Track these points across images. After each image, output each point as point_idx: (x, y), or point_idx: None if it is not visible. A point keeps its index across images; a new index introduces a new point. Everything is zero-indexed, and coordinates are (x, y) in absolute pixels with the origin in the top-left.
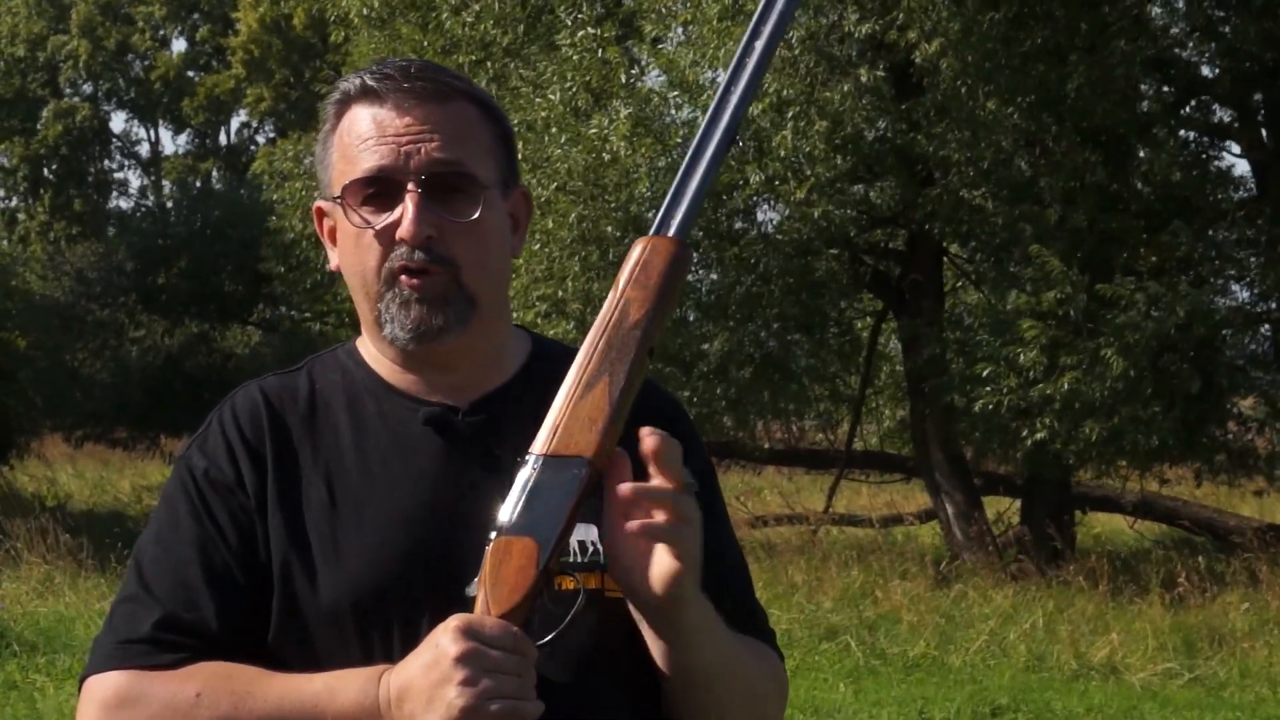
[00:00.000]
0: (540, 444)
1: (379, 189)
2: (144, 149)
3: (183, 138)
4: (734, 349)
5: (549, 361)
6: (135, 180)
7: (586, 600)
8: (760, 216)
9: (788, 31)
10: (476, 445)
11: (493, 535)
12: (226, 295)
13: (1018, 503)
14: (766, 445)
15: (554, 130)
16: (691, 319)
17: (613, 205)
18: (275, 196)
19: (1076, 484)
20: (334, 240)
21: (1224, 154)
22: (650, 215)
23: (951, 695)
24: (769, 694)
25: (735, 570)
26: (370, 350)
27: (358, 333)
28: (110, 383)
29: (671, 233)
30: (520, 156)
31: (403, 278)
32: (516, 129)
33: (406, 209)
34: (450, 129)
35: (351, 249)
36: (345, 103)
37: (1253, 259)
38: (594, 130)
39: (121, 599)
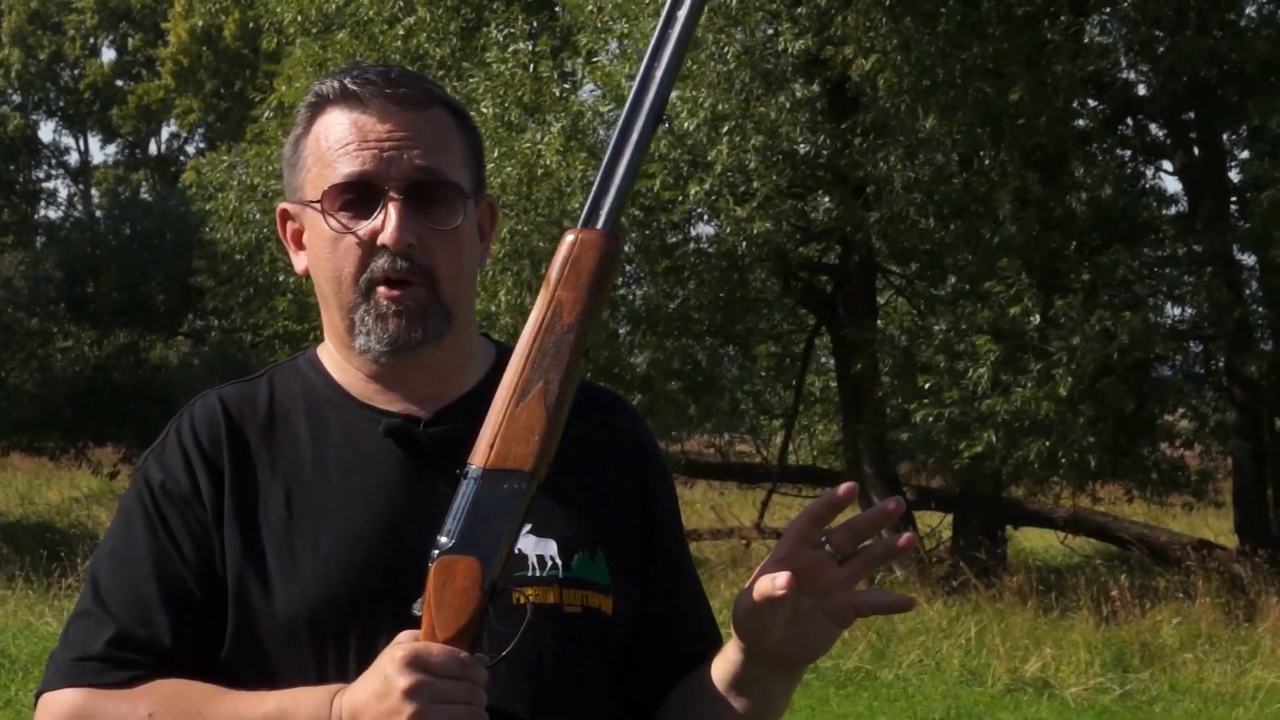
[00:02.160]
0: (479, 456)
1: (358, 194)
2: (73, 158)
3: (112, 147)
4: (662, 361)
5: None
6: (64, 190)
7: (539, 615)
8: (695, 230)
9: (725, 18)
10: (438, 456)
11: (435, 553)
12: (156, 306)
13: (949, 517)
14: (683, 461)
15: (487, 144)
16: (622, 331)
17: (545, 219)
18: (208, 207)
19: (1008, 499)
20: (298, 244)
21: (1159, 173)
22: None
23: (885, 710)
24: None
25: (691, 593)
26: (333, 359)
27: (295, 350)
28: (38, 392)
29: (600, 224)
30: None
31: (381, 289)
32: None
33: (389, 216)
34: (430, 137)
35: (327, 254)
36: (321, 105)
37: (1185, 278)
38: (527, 144)
39: (77, 614)
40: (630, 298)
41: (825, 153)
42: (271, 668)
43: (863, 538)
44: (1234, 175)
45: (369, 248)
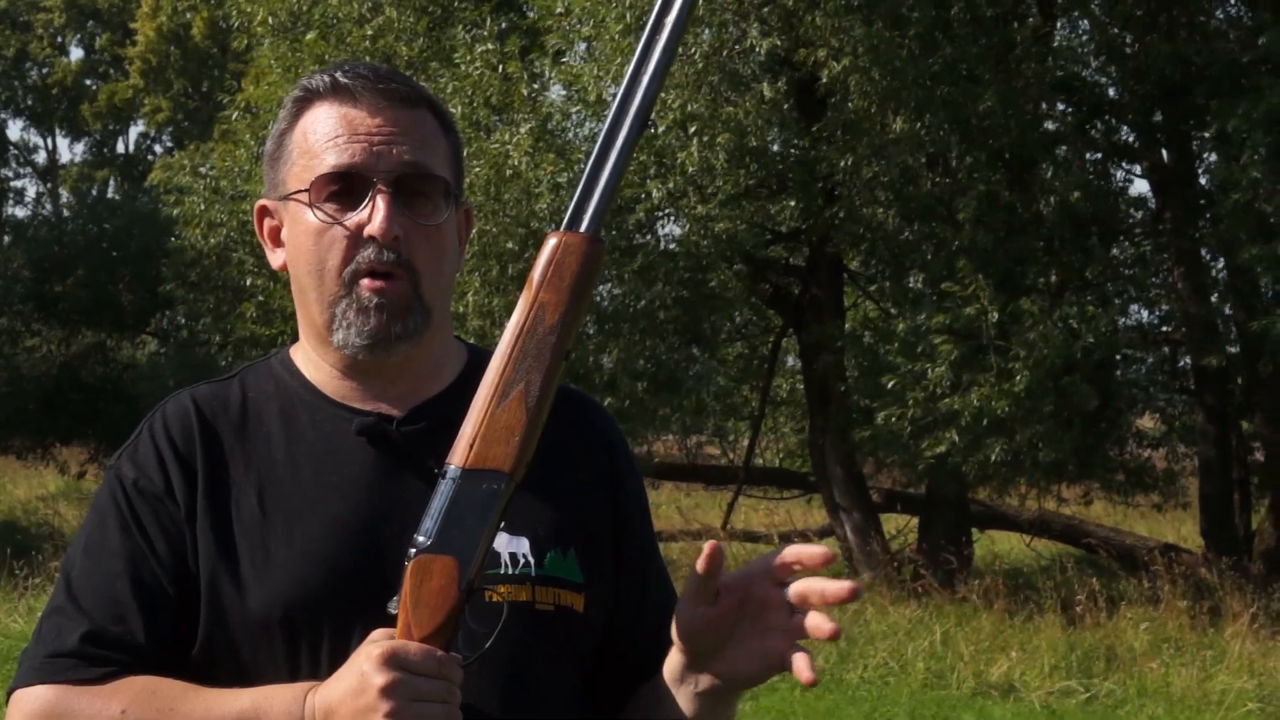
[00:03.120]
0: (458, 456)
1: (346, 186)
2: (41, 157)
3: (80, 146)
4: (628, 361)
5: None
6: (32, 188)
7: (513, 614)
8: (661, 230)
9: (693, 19)
10: (410, 454)
11: (412, 552)
12: (123, 305)
13: (915, 520)
14: (650, 463)
15: None
16: (592, 332)
17: (513, 220)
18: (175, 213)
19: (974, 502)
20: (274, 241)
21: (1130, 175)
22: (548, 229)
23: (850, 712)
24: None
25: (658, 597)
26: (308, 357)
27: (263, 353)
28: (5, 391)
29: (584, 228)
30: None
31: (365, 281)
32: None
33: (377, 207)
34: (418, 134)
35: (310, 246)
36: (309, 100)
37: (1152, 280)
38: (495, 145)
39: (50, 611)
40: (598, 298)
41: (794, 152)
42: (245, 664)
43: (815, 601)
44: (1203, 178)
45: (355, 239)
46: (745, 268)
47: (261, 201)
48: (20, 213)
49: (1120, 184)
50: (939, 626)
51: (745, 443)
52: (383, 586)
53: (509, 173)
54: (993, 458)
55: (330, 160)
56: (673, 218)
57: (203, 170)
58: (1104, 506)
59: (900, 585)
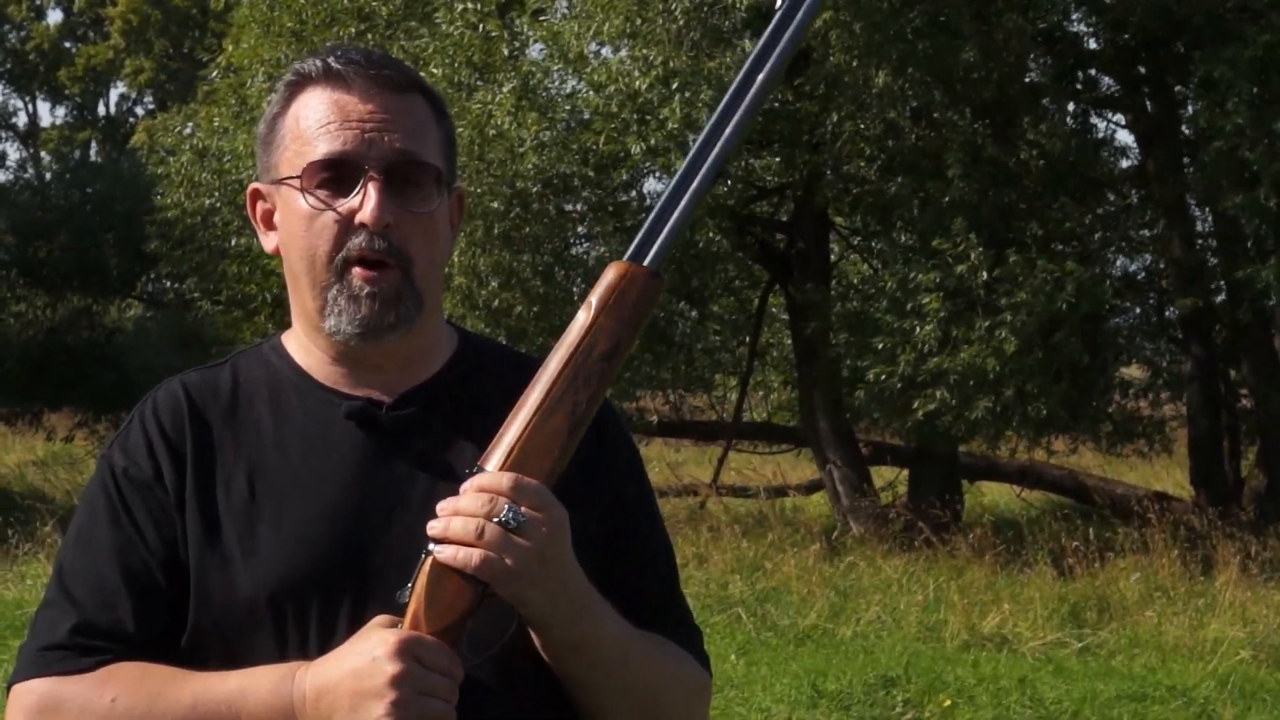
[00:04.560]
0: (495, 460)
1: (337, 173)
2: (21, 120)
3: (61, 109)
4: None
5: (476, 357)
6: (14, 153)
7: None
8: (646, 189)
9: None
10: (400, 440)
11: (431, 548)
12: (109, 269)
13: (905, 472)
14: (654, 418)
15: None
16: (579, 291)
17: (498, 180)
18: (159, 172)
19: (963, 453)
20: (267, 224)
21: (1113, 126)
22: (535, 190)
23: (844, 667)
24: (672, 695)
25: (657, 568)
26: (299, 342)
27: (248, 315)
28: None
29: (647, 262)
30: None
31: (356, 269)
32: None
33: (369, 194)
34: (411, 121)
35: (302, 232)
36: (301, 84)
37: (1143, 231)
38: (478, 105)
39: (43, 604)
40: (585, 257)
41: (776, 106)
42: (234, 648)
43: None
44: (1185, 128)
45: (346, 225)
46: (730, 224)
47: (254, 185)
48: (1, 177)
49: (1103, 135)
50: (931, 579)
51: (734, 398)
52: (370, 570)
53: (492, 133)
54: (981, 415)
55: (322, 147)
56: (656, 175)
57: (186, 131)
58: (1094, 456)
59: (891, 538)
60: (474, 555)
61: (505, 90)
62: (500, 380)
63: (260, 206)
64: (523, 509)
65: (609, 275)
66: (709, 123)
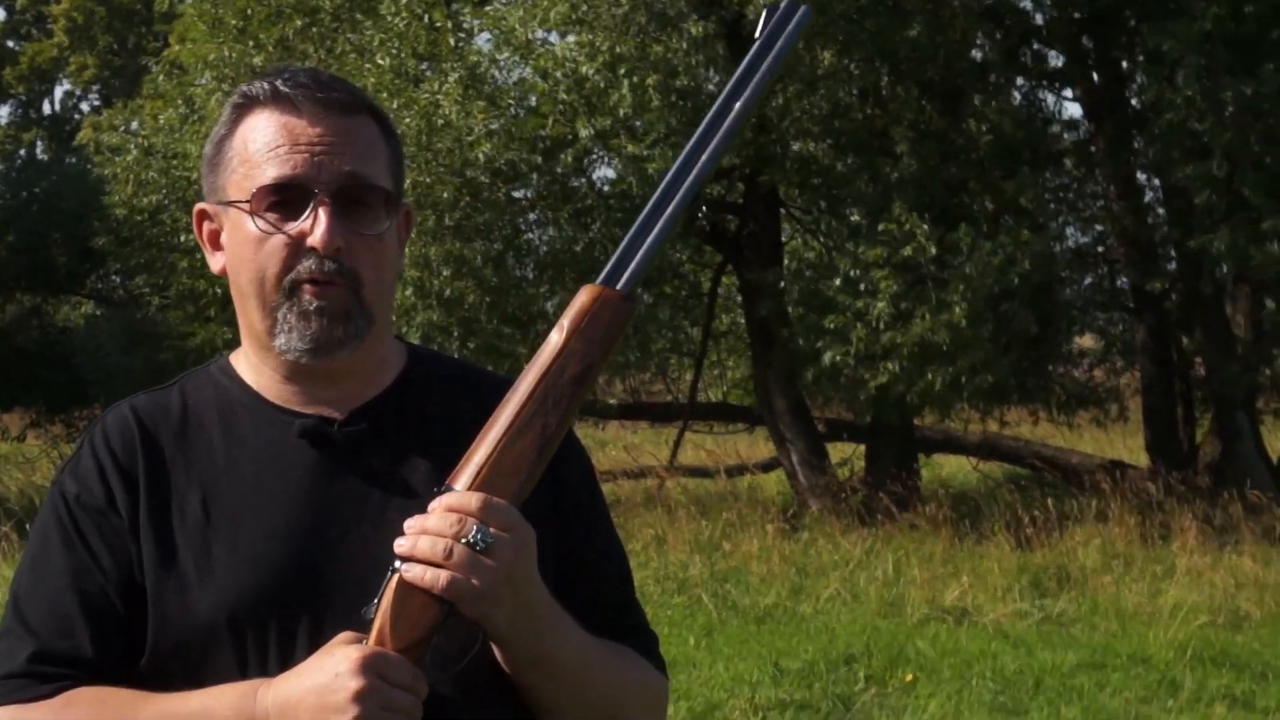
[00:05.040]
0: (463, 480)
1: (286, 196)
2: None
3: (4, 108)
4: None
5: (426, 370)
6: None
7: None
8: (596, 175)
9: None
10: (353, 456)
11: (397, 565)
12: (57, 268)
13: (862, 448)
14: (613, 400)
15: (384, 95)
16: (531, 278)
17: (446, 169)
18: (105, 171)
19: (919, 427)
20: (214, 244)
21: (1061, 99)
22: (486, 179)
23: (805, 645)
24: (631, 702)
25: (612, 576)
26: (248, 362)
27: (197, 314)
28: None
29: (620, 286)
30: None
31: (306, 287)
32: None
33: (319, 219)
34: (359, 143)
35: (250, 254)
36: (248, 107)
37: (1087, 202)
38: (425, 95)
39: (0, 634)
40: (535, 243)
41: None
42: (194, 669)
43: None
44: (1135, 100)
45: (296, 248)
46: None
47: (200, 205)
48: None
49: (1051, 110)
50: (890, 554)
51: (689, 378)
52: (327, 587)
53: (440, 122)
54: (935, 386)
55: (271, 172)
56: (605, 160)
57: (132, 129)
58: (1049, 427)
59: (849, 515)
60: (441, 576)
61: (452, 80)
62: (449, 394)
63: (207, 227)
64: (491, 530)
65: (581, 298)
66: (685, 148)
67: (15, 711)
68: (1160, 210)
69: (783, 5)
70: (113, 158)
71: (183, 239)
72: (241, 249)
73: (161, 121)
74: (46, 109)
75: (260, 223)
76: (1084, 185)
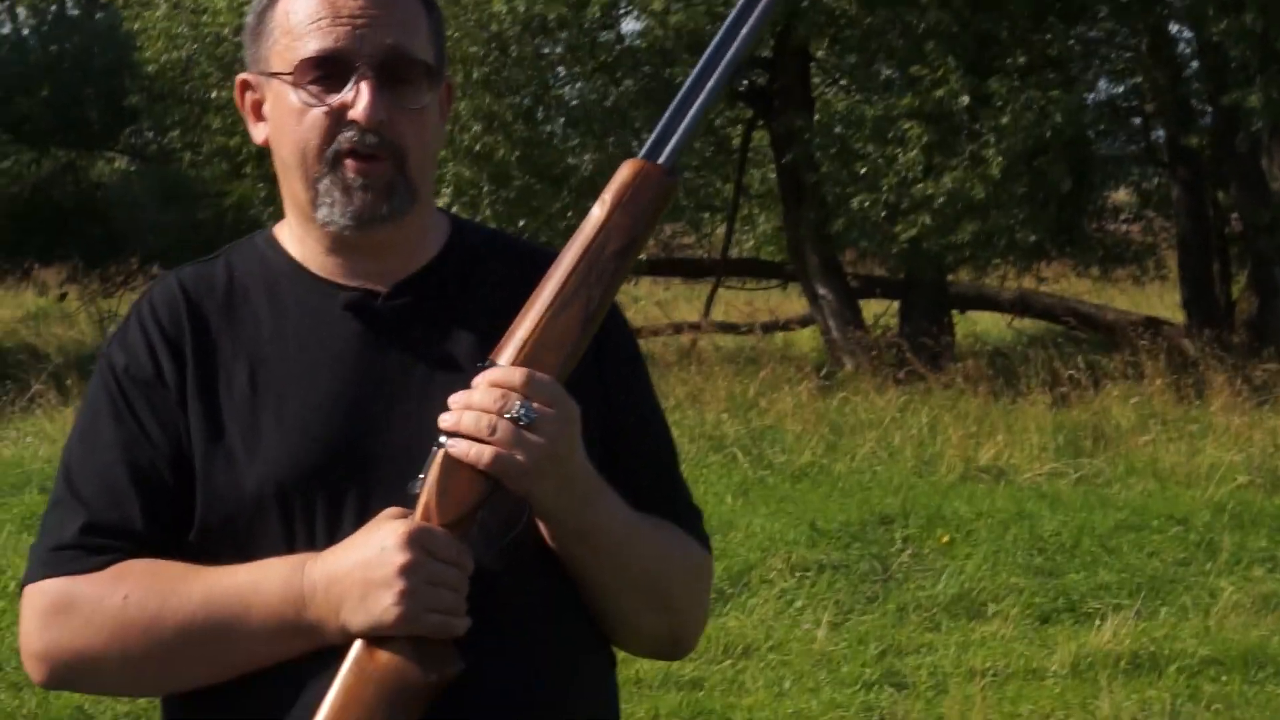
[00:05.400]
0: (507, 355)
1: (329, 69)
2: None
3: None
4: (604, 162)
5: (469, 243)
6: None
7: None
8: (625, 29)
9: None
10: (397, 329)
11: (443, 440)
12: (91, 123)
13: (895, 305)
14: (643, 256)
15: None
16: (561, 134)
17: (475, 23)
18: (136, 26)
19: (953, 284)
20: (256, 115)
21: None
22: (511, 32)
23: (841, 504)
24: (675, 577)
25: (656, 451)
26: (293, 233)
27: (233, 171)
28: None
29: (662, 160)
30: None
31: (349, 161)
32: None
33: (361, 92)
34: (400, 16)
35: (292, 126)
36: None
37: (1121, 54)
38: None
39: (51, 504)
40: (567, 98)
41: None
42: (241, 542)
43: None
44: None
45: (337, 119)
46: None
47: (243, 75)
48: None
49: None
50: (925, 412)
51: (720, 234)
52: (373, 459)
53: None
54: (965, 239)
55: (314, 44)
56: (634, 15)
57: None
58: (1083, 282)
59: (884, 372)
60: (485, 451)
61: None
62: (492, 267)
63: (249, 97)
64: (535, 405)
65: (623, 172)
66: (727, 19)
67: (67, 582)
68: (1194, 64)
69: None
70: (141, 12)
71: (214, 95)
72: (284, 120)
73: None
74: None
75: (302, 94)
76: (1115, 37)
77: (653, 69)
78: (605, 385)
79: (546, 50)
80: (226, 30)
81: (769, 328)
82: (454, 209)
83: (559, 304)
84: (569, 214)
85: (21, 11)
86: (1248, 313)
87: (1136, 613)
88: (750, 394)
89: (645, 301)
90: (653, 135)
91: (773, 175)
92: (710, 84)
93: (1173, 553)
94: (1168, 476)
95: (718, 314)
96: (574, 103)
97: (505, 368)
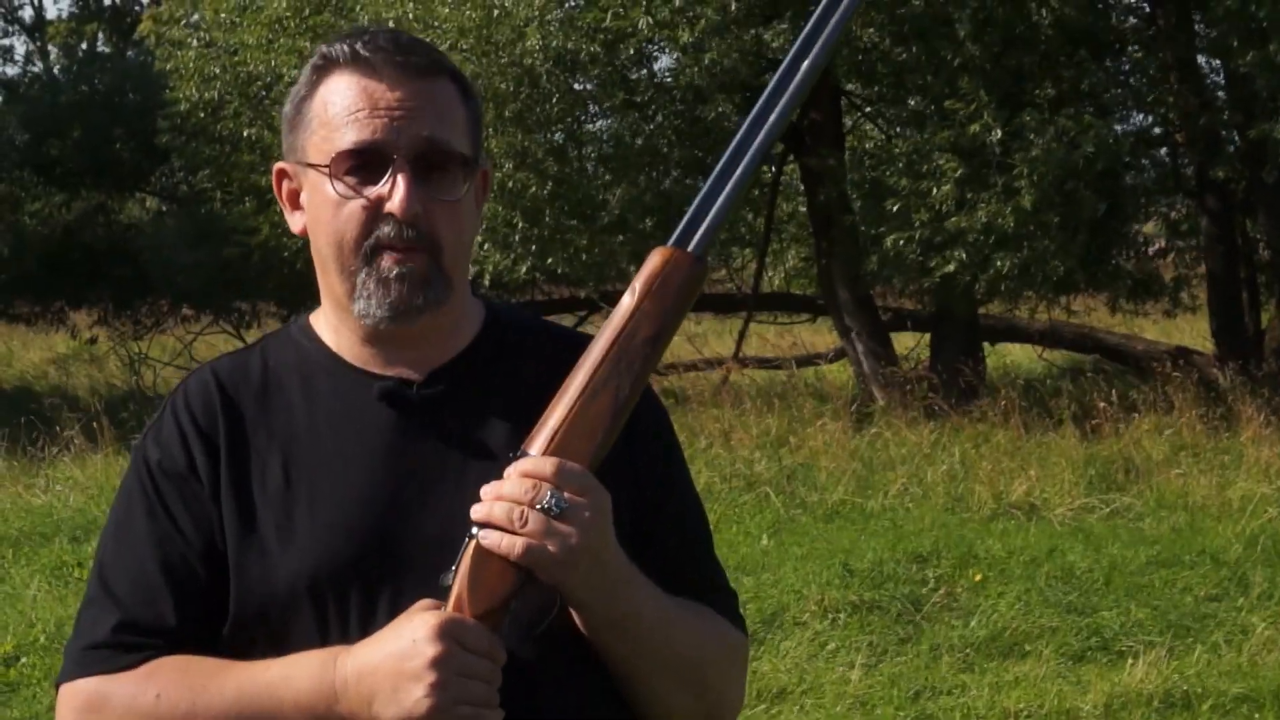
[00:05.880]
0: (539, 444)
1: (365, 160)
2: (27, 13)
3: (65, 0)
4: (634, 199)
5: (503, 329)
6: (20, 47)
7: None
8: (657, 65)
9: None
10: (431, 418)
11: (475, 531)
12: (122, 164)
13: (926, 337)
14: None
15: None
16: (591, 171)
17: (505, 61)
18: (168, 66)
19: (983, 316)
20: (293, 203)
21: None
22: (543, 69)
23: (873, 544)
24: (711, 662)
25: (689, 534)
26: (328, 324)
27: (261, 209)
28: (8, 257)
29: (692, 248)
30: (411, 18)
31: (386, 254)
32: None
33: (398, 185)
34: (438, 107)
35: (329, 218)
36: (327, 68)
37: (1148, 86)
38: None
39: (86, 602)
40: (598, 134)
41: None
42: (276, 636)
43: None
44: None
45: (374, 213)
46: (741, 97)
47: (280, 165)
48: (10, 70)
49: None
50: (957, 447)
51: (752, 269)
52: (407, 552)
53: (497, 13)
54: (1003, 271)
55: (351, 136)
56: (666, 50)
57: (192, 21)
58: (1108, 315)
59: (916, 406)
60: (517, 543)
61: None
62: (526, 354)
63: (286, 186)
64: (566, 495)
65: (653, 260)
66: (755, 106)
67: (100, 682)
68: (1221, 95)
69: None
70: (175, 51)
71: (245, 134)
72: (320, 211)
73: (222, 16)
74: (106, 0)
75: (339, 186)
76: (1144, 68)
77: (685, 106)
78: (636, 468)
79: (578, 87)
80: (255, 67)
81: (801, 362)
82: (485, 246)
83: (590, 392)
84: (596, 251)
85: (53, 51)
86: (1277, 342)
87: (1169, 650)
88: (782, 430)
89: (678, 338)
90: (682, 222)
91: (803, 209)
92: (739, 171)
93: (1205, 588)
94: (1199, 510)
95: (748, 348)
96: (606, 139)
97: (536, 458)
